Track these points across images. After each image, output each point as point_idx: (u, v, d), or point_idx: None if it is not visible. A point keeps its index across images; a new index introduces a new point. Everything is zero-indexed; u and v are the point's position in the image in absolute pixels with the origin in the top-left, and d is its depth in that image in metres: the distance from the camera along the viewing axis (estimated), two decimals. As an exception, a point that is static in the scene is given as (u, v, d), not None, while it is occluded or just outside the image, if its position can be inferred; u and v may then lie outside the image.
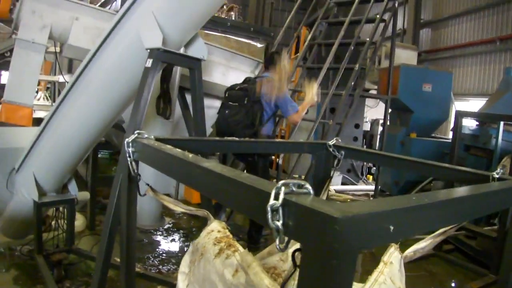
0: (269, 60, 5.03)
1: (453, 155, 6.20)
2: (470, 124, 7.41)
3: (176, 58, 3.12)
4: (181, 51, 3.20)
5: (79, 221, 5.56)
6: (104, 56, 3.15)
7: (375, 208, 0.95)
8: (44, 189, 3.94)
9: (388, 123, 9.62)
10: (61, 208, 4.34)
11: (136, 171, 2.00)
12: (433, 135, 9.20)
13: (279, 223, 0.96)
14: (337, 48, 5.78)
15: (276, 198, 0.96)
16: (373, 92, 10.57)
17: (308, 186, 1.01)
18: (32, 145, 3.76)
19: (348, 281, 0.88)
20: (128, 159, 1.96)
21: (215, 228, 1.93)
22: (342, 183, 9.71)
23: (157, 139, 1.98)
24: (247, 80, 4.99)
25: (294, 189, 0.99)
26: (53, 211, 4.49)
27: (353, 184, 10.02)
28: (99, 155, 6.36)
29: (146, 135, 1.97)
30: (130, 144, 1.94)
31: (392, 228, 0.95)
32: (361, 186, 9.94)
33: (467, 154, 7.07)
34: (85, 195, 4.87)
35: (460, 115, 6.17)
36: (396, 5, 6.08)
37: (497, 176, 1.85)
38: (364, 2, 6.38)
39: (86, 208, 5.68)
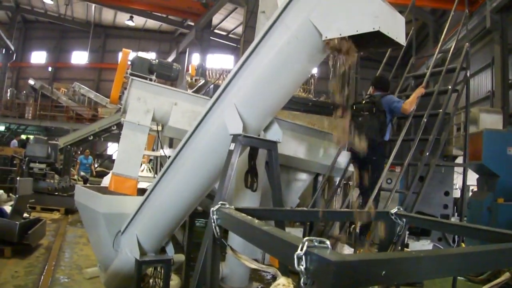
0: (379, 82, 6.39)
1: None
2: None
3: (255, 142, 3.63)
4: (261, 135, 3.77)
5: (174, 281, 6.09)
6: (197, 139, 3.76)
7: (370, 257, 1.38)
8: (145, 249, 4.53)
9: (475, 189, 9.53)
10: (158, 268, 4.92)
11: (219, 234, 2.48)
12: (523, 199, 8.89)
13: (303, 267, 1.40)
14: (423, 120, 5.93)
15: (301, 249, 1.42)
16: (460, 158, 10.46)
17: (327, 242, 1.45)
18: (136, 211, 4.39)
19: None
20: (213, 224, 2.46)
21: (281, 282, 2.34)
22: (434, 252, 9.51)
23: (237, 209, 2.45)
24: (366, 97, 6.37)
25: (316, 244, 1.44)
26: (151, 270, 5.08)
27: (444, 252, 9.76)
28: (197, 224, 6.93)
29: (227, 205, 2.46)
30: (215, 212, 2.45)
31: (383, 273, 1.36)
32: (450, 254, 9.66)
33: None
34: (180, 257, 5.38)
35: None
36: (468, 74, 6.27)
37: None
38: (435, 75, 6.64)
39: (182, 270, 6.21)
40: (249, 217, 2.11)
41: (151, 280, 5.07)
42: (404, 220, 3.00)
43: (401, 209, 3.07)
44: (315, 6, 2.98)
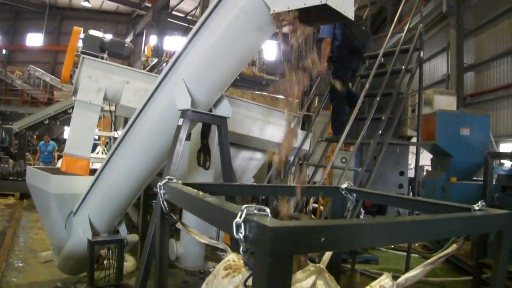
0: None
1: (485, 196, 6.29)
2: (506, 164, 7.46)
3: (204, 117, 3.61)
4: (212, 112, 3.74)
5: (130, 262, 6.05)
6: (146, 116, 3.71)
7: (309, 223, 1.37)
8: (97, 229, 4.47)
9: (430, 168, 9.78)
10: (112, 249, 4.86)
11: (167, 209, 2.45)
12: (474, 178, 9.19)
13: (242, 235, 1.38)
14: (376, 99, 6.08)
15: (240, 217, 1.39)
16: (414, 139, 10.71)
17: (267, 210, 1.44)
18: (88, 191, 4.32)
19: (282, 277, 1.27)
20: (160, 199, 2.43)
21: (231, 258, 2.34)
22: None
23: (185, 184, 2.43)
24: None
25: (255, 211, 1.42)
26: (105, 251, 5.02)
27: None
28: (152, 204, 6.87)
29: (175, 180, 2.43)
30: (162, 187, 2.41)
31: (323, 239, 1.35)
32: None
33: (505, 195, 7.11)
34: (134, 237, 5.34)
35: (490, 156, 6.31)
36: (422, 55, 6.39)
37: (477, 208, 2.08)
38: (388, 55, 6.73)
39: (137, 250, 6.17)
40: (194, 190, 2.09)
41: (105, 262, 5.02)
42: (355, 195, 3.03)
43: (351, 184, 3.10)
44: (264, -22, 2.95)
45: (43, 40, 34.64)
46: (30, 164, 16.98)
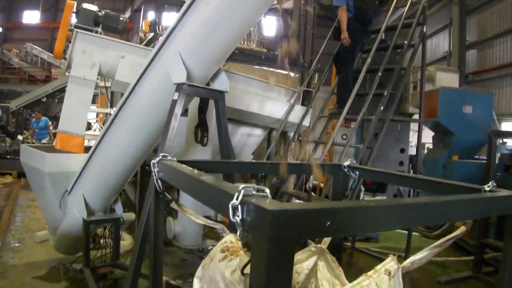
0: None
1: (488, 176, 6.19)
2: (509, 143, 7.34)
3: (200, 91, 3.46)
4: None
5: (127, 241, 5.97)
6: (141, 90, 3.56)
7: (314, 206, 1.23)
8: (92, 208, 4.37)
9: (431, 146, 9.66)
10: (109, 228, 4.77)
11: (161, 188, 2.33)
12: (476, 156, 9.07)
13: (238, 219, 1.24)
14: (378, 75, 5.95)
15: (237, 198, 1.25)
16: (416, 116, 10.57)
17: (266, 190, 1.30)
18: (82, 169, 4.20)
19: (283, 265, 1.15)
20: (154, 177, 2.30)
21: (229, 240, 2.22)
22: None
23: (180, 161, 2.30)
24: None
25: (254, 192, 1.28)
26: (101, 230, 4.93)
27: (400, 208, 9.87)
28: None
29: (169, 157, 2.30)
30: (156, 165, 2.29)
31: (328, 223, 1.22)
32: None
33: (507, 174, 7.00)
34: (131, 215, 5.24)
35: (493, 134, 6.18)
36: (425, 30, 6.21)
37: (488, 189, 1.95)
38: (389, 30, 6.55)
39: (134, 228, 6.08)
40: (189, 168, 1.97)
41: (102, 241, 4.93)
42: (357, 173, 2.91)
43: (354, 161, 2.98)
44: None
45: (40, 17, 34.23)
46: (28, 143, 16.83)
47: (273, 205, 1.16)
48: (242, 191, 1.26)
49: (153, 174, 2.30)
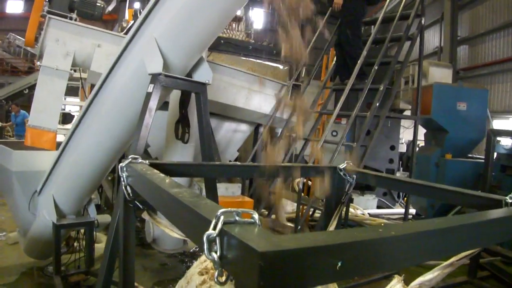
0: None
1: (486, 177, 5.91)
2: (506, 143, 7.08)
3: (179, 83, 3.11)
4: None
5: (104, 244, 5.61)
6: (113, 81, 3.20)
7: (319, 240, 0.87)
8: (63, 211, 4.00)
9: (423, 144, 9.40)
10: (83, 231, 4.40)
11: (131, 195, 1.98)
12: (470, 155, 8.82)
13: (216, 256, 0.90)
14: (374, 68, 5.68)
15: (215, 227, 0.90)
16: (408, 112, 10.29)
17: (255, 216, 0.95)
18: (51, 167, 3.83)
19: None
20: (123, 183, 1.95)
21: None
22: (378, 207, 9.33)
23: (153, 164, 1.96)
24: None
25: (237, 218, 0.94)
26: (75, 232, 4.56)
27: (389, 207, 9.66)
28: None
29: (140, 160, 1.96)
30: (125, 169, 1.93)
31: (339, 264, 0.87)
32: (397, 210, 9.54)
33: (504, 175, 6.75)
34: (106, 218, 4.90)
35: (493, 133, 5.91)
36: (423, 22, 5.92)
37: (510, 201, 1.67)
38: (388, 21, 6.26)
39: (113, 230, 5.72)
40: (161, 176, 1.61)
41: (75, 244, 4.56)
42: (354, 176, 2.59)
43: (351, 163, 2.65)
44: None
45: (24, 7, 33.60)
46: (11, 137, 16.27)
47: (264, 242, 0.82)
48: (222, 218, 0.92)
49: (122, 180, 1.95)
